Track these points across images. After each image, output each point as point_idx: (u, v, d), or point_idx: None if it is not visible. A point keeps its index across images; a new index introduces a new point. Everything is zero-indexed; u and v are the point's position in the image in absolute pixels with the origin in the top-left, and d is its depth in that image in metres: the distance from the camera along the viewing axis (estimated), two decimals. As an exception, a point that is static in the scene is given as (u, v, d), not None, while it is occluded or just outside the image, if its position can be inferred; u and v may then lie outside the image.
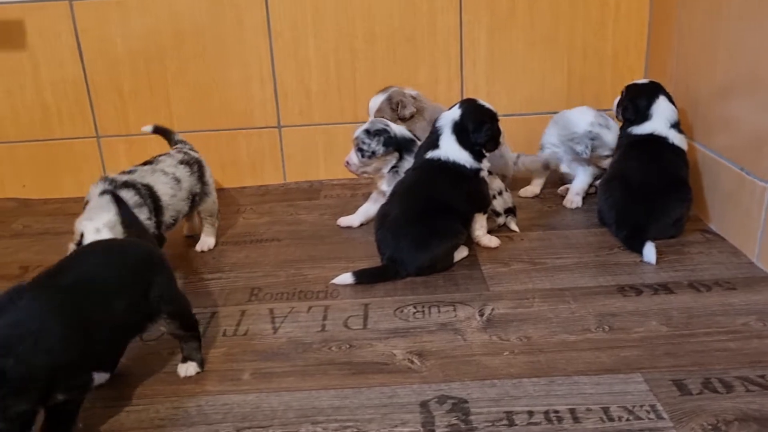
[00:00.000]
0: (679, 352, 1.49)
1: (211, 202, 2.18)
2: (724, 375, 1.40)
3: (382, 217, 1.97)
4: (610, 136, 2.31)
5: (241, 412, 1.37)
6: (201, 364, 1.52)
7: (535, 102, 2.68)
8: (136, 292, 1.38)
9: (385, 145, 2.11)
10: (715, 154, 2.10)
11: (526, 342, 1.56)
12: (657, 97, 2.18)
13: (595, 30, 2.62)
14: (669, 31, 2.42)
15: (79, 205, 2.62)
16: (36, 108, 2.65)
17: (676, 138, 2.13)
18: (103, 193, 1.82)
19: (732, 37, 1.98)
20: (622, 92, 2.28)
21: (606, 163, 2.33)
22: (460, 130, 1.99)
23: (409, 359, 1.52)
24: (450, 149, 1.98)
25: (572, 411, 1.31)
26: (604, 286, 1.80)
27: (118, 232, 1.70)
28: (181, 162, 2.09)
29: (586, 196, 2.41)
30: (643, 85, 2.25)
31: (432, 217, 1.90)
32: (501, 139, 2.07)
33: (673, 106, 2.17)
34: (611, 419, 1.28)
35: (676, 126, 2.15)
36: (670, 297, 1.72)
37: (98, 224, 1.71)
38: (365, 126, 2.15)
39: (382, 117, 2.30)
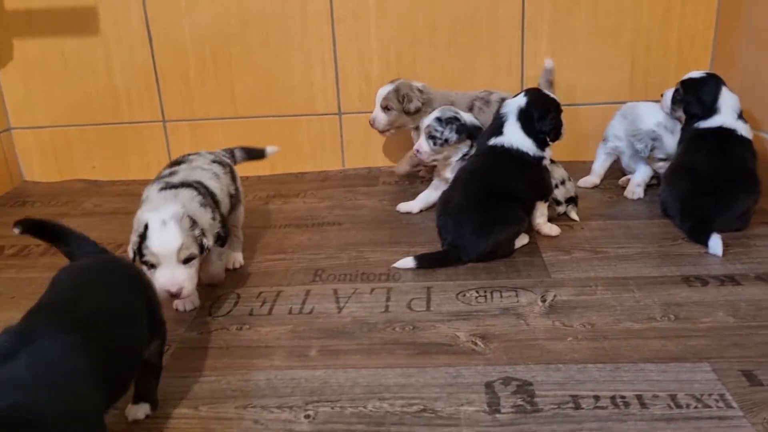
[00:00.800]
0: (747, 343, 1.47)
1: (242, 210, 2.07)
2: (795, 367, 1.38)
3: (444, 203, 1.98)
4: (672, 141, 2.27)
5: (309, 387, 1.41)
6: (155, 405, 1.35)
7: (596, 92, 2.65)
8: (145, 317, 1.25)
9: (458, 132, 2.14)
10: (785, 146, 2.06)
11: (589, 328, 1.56)
12: (720, 89, 2.14)
13: (661, 21, 2.58)
14: (738, 21, 2.37)
15: (145, 186, 2.74)
16: (107, 93, 2.75)
17: (743, 129, 2.10)
18: (164, 189, 1.72)
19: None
20: (678, 88, 2.23)
21: (659, 165, 2.30)
22: (525, 117, 1.99)
23: (472, 341, 1.54)
24: (514, 136, 1.99)
25: (639, 397, 1.31)
26: (668, 276, 1.79)
27: (185, 226, 1.58)
28: (214, 161, 1.94)
29: (648, 187, 2.39)
30: (702, 78, 2.20)
31: (494, 203, 1.91)
32: (562, 131, 2.06)
33: (735, 96, 2.14)
34: (679, 406, 1.28)
35: (741, 117, 2.11)
36: (737, 288, 1.70)
37: (165, 215, 1.57)
38: (436, 114, 2.17)
39: (388, 106, 2.40)
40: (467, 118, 2.19)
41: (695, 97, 2.17)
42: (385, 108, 2.40)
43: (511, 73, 2.67)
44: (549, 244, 2.03)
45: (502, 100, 2.20)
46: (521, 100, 2.01)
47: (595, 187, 2.49)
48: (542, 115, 1.98)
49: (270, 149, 2.25)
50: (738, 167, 2.03)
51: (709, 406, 1.28)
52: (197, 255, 1.60)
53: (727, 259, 1.86)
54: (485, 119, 2.25)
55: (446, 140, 2.14)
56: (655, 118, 2.30)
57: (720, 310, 1.61)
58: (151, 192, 1.74)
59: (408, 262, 1.89)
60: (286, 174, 2.81)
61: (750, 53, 2.30)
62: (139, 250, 1.57)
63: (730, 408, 1.27)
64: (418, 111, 2.39)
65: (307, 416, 1.32)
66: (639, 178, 2.38)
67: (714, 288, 1.71)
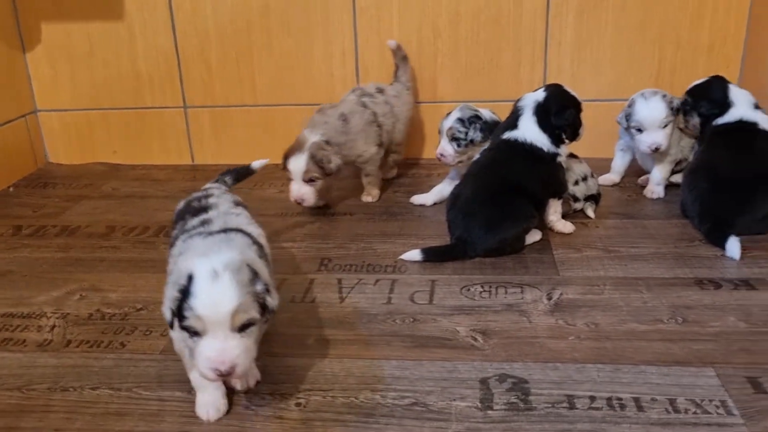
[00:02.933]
0: (756, 350, 1.42)
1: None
2: (803, 376, 1.33)
3: (455, 197, 1.96)
4: (645, 110, 2.18)
5: (303, 375, 1.40)
6: None
7: (621, 88, 2.59)
8: None
9: (482, 131, 2.12)
10: (813, 149, 1.98)
11: (593, 328, 1.53)
12: (728, 86, 2.11)
13: (692, 19, 2.50)
14: (770, 18, 2.30)
15: (165, 172, 2.78)
16: (130, 77, 2.77)
17: (765, 121, 2.03)
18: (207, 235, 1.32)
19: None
20: (686, 98, 2.20)
21: (639, 139, 2.21)
22: (541, 112, 1.95)
23: (472, 336, 1.52)
24: (529, 130, 1.95)
25: (636, 399, 1.28)
26: (681, 278, 1.74)
27: (244, 279, 1.17)
28: (236, 203, 1.56)
29: (669, 186, 2.33)
30: (706, 80, 2.18)
31: (504, 199, 1.87)
32: (580, 131, 2.01)
33: (745, 90, 2.10)
34: (677, 411, 1.25)
35: (759, 108, 2.06)
36: (751, 293, 1.65)
37: (216, 264, 1.16)
38: (456, 115, 2.15)
39: (312, 177, 2.13)
40: (487, 114, 2.16)
41: (705, 99, 2.13)
42: (309, 181, 2.15)
43: (534, 66, 2.62)
44: (561, 241, 1.99)
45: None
46: (540, 95, 1.97)
47: (615, 185, 2.43)
48: (560, 110, 1.94)
49: (257, 163, 1.90)
50: (761, 166, 1.96)
51: (709, 413, 1.24)
52: (257, 320, 1.19)
53: (744, 263, 1.80)
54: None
55: (471, 140, 2.12)
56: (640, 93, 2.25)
57: (731, 315, 1.56)
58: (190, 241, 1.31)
59: (414, 254, 1.87)
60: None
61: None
62: (179, 311, 1.15)
63: (731, 415, 1.23)
64: (339, 168, 2.19)
65: (298, 404, 1.32)
66: (657, 176, 2.32)
67: (727, 292, 1.66)
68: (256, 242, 1.34)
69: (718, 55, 2.54)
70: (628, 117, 2.24)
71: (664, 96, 2.20)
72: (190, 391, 1.34)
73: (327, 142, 2.18)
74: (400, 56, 2.54)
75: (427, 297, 1.70)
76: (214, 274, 1.14)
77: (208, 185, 1.73)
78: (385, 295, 1.72)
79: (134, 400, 1.35)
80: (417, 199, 2.31)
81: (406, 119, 2.52)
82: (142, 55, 2.74)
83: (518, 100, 2.02)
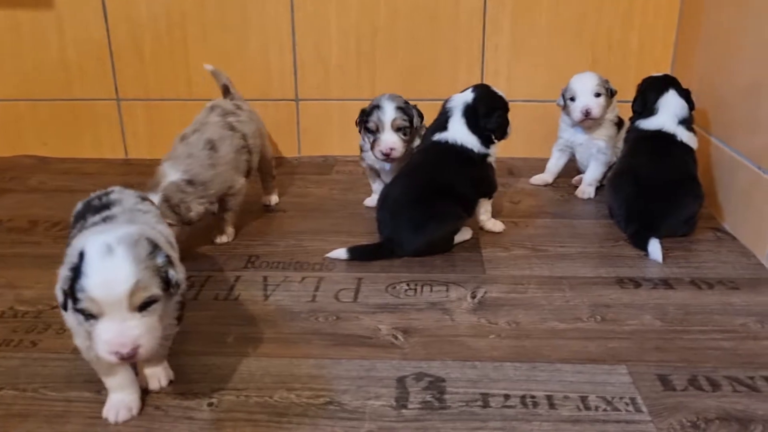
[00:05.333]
0: (669, 348, 1.45)
1: None
2: (712, 373, 1.36)
3: (384, 197, 1.94)
4: (579, 79, 2.28)
5: (218, 374, 1.37)
6: None
7: (556, 89, 2.60)
8: None
9: (420, 116, 2.10)
10: (734, 152, 2.04)
11: (514, 327, 1.54)
12: (667, 90, 2.13)
13: (623, 21, 2.55)
14: (697, 25, 2.35)
15: (96, 165, 2.70)
16: (59, 67, 2.68)
17: (684, 135, 2.07)
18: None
19: (759, 33, 1.91)
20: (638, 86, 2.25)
21: (576, 105, 2.26)
22: (470, 113, 1.95)
23: (393, 335, 1.51)
24: (459, 132, 1.95)
25: (549, 397, 1.29)
26: (603, 277, 1.76)
27: (141, 254, 1.10)
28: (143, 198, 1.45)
29: (601, 187, 2.36)
30: (656, 77, 2.20)
31: (432, 200, 1.86)
32: (508, 130, 2.02)
33: (683, 102, 2.11)
34: (588, 408, 1.26)
35: (685, 123, 2.09)
36: (669, 292, 1.68)
37: (110, 239, 1.10)
38: (392, 104, 2.05)
39: (168, 223, 1.54)
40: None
41: (641, 93, 2.18)
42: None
43: (472, 67, 2.63)
44: (491, 240, 2.00)
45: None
46: (468, 96, 1.97)
47: (548, 185, 2.46)
48: (488, 112, 1.94)
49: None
50: (681, 172, 2.00)
51: (618, 410, 1.25)
52: (160, 296, 1.11)
53: (665, 263, 1.83)
54: None
55: (416, 127, 2.09)
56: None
57: (648, 313, 1.59)
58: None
59: (341, 253, 1.85)
60: (241, 159, 2.76)
61: (707, 58, 2.28)
62: (72, 292, 1.08)
63: (639, 412, 1.25)
64: (200, 216, 1.85)
65: (210, 404, 1.29)
66: (591, 177, 2.35)
67: (646, 291, 1.69)
68: (167, 241, 1.27)
69: (648, 57, 2.59)
70: (564, 93, 2.31)
71: (599, 75, 2.29)
72: (100, 391, 1.30)
73: (190, 182, 1.82)
74: (224, 78, 2.28)
75: (352, 295, 1.68)
76: (107, 250, 1.06)
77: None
78: (310, 293, 1.70)
79: (39, 401, 1.30)
80: (368, 202, 2.27)
81: (266, 134, 2.30)
82: (72, 45, 2.65)
83: (446, 102, 2.01)
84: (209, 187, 1.86)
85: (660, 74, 2.23)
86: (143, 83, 2.70)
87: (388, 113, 2.05)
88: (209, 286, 1.74)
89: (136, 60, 2.67)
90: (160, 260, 1.12)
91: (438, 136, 1.96)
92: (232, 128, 2.02)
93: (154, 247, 1.13)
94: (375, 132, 2.07)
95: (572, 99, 2.28)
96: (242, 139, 2.03)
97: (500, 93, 2.00)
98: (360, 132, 2.14)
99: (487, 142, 1.96)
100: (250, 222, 2.15)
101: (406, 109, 2.07)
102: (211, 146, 1.92)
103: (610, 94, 2.30)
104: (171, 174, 1.82)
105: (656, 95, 2.15)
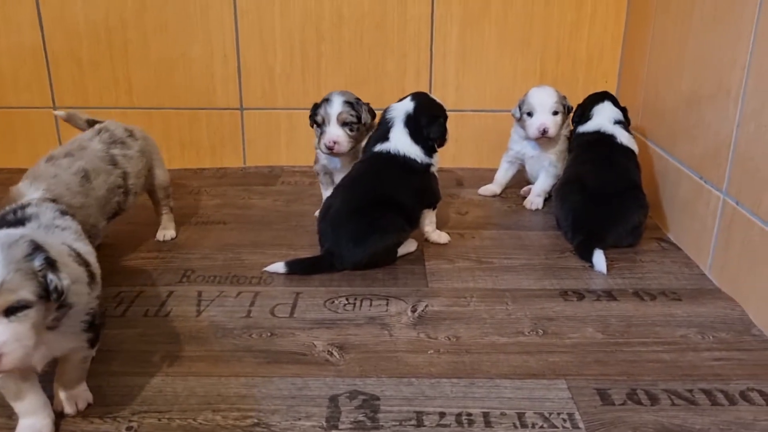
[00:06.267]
0: (609, 361, 1.42)
1: None
2: (651, 387, 1.33)
3: (326, 209, 1.89)
4: (537, 94, 2.24)
5: (141, 395, 1.30)
6: None
7: (505, 100, 2.61)
8: None
9: (370, 112, 2.06)
10: (678, 162, 2.04)
11: (454, 342, 1.49)
12: (602, 101, 2.23)
13: (570, 32, 2.55)
14: (643, 37, 2.36)
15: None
16: (-9, 74, 2.58)
17: (623, 136, 2.13)
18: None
19: (700, 47, 1.91)
20: None
21: (532, 122, 2.23)
22: (412, 123, 1.92)
23: (328, 351, 1.45)
24: (401, 142, 1.91)
25: (486, 415, 1.25)
26: (547, 290, 1.73)
27: (15, 255, 1.02)
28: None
29: (549, 198, 2.35)
30: (595, 93, 2.30)
31: (373, 212, 1.81)
32: (446, 137, 1.99)
33: (617, 109, 2.21)
34: (524, 425, 1.22)
35: (620, 123, 2.16)
36: (611, 304, 1.66)
37: None
38: (341, 98, 2.02)
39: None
40: None
41: (580, 105, 2.26)
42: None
43: (420, 75, 2.60)
44: (436, 252, 1.96)
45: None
46: (408, 105, 1.94)
47: (496, 196, 2.43)
48: (430, 121, 1.91)
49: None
50: (625, 180, 2.01)
51: (555, 426, 1.22)
52: (33, 302, 1.02)
53: (609, 275, 1.81)
54: None
55: (364, 123, 2.04)
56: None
57: (590, 326, 1.56)
58: None
59: (278, 266, 1.79)
60: (184, 169, 2.69)
61: (652, 70, 2.29)
62: None
63: (576, 428, 1.21)
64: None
65: (130, 428, 1.22)
66: (539, 188, 2.34)
67: (589, 303, 1.67)
68: (82, 261, 1.20)
69: (596, 68, 2.60)
70: (521, 105, 2.28)
71: (558, 91, 2.27)
72: (11, 416, 1.21)
73: (53, 202, 1.48)
74: (82, 118, 2.05)
75: (288, 310, 1.62)
76: None
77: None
78: (245, 309, 1.63)
79: (-58, 429, 1.21)
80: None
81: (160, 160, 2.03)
82: (5, 52, 2.55)
83: (386, 111, 1.97)
84: (76, 215, 1.48)
85: (599, 91, 2.31)
86: (82, 91, 2.61)
87: (335, 107, 2.01)
88: (139, 302, 1.66)
89: (74, 67, 2.58)
90: (37, 263, 1.02)
91: (380, 147, 1.92)
92: (113, 163, 1.79)
93: (35, 250, 1.03)
94: (322, 125, 2.02)
95: (529, 114, 2.24)
96: (121, 178, 1.79)
97: (439, 101, 1.97)
98: (312, 126, 2.09)
99: (429, 151, 1.93)
100: (188, 235, 2.07)
101: (355, 105, 2.03)
102: (85, 175, 1.68)
103: (567, 111, 2.28)
104: (30, 192, 1.54)
105: (592, 105, 2.25)
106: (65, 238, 1.24)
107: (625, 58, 2.55)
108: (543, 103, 2.22)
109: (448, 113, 1.98)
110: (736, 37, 1.68)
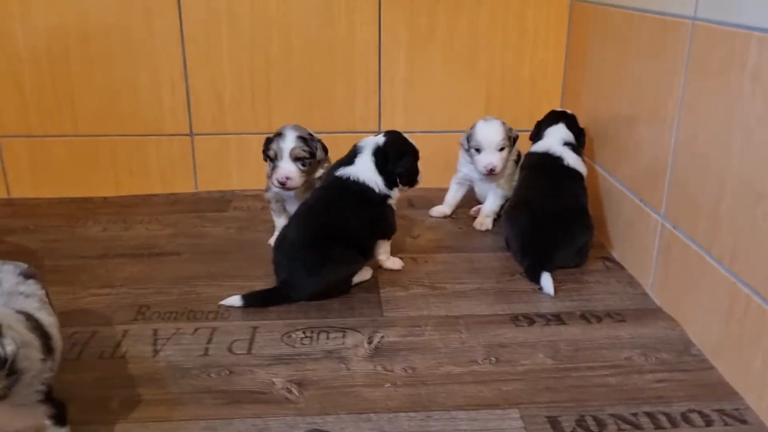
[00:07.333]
0: (559, 387, 1.48)
1: None
2: (599, 412, 1.39)
3: (282, 239, 1.90)
4: (484, 131, 2.28)
5: (101, 445, 1.30)
6: None
7: (453, 121, 2.66)
8: None
9: (323, 149, 2.09)
10: (619, 184, 2.12)
11: (410, 373, 1.53)
12: (557, 123, 2.28)
13: (514, 54, 2.62)
14: (583, 60, 2.45)
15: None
16: (-71, 103, 2.51)
17: (570, 158, 2.18)
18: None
19: (637, 73, 2.00)
20: None
21: (480, 160, 2.28)
22: (380, 154, 1.94)
23: (287, 389, 1.47)
24: (364, 168, 1.93)
25: (443, 449, 1.29)
26: (499, 315, 1.79)
27: None
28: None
29: (497, 218, 2.41)
30: (553, 111, 2.35)
31: (328, 242, 1.83)
32: (418, 178, 2.02)
33: (569, 132, 2.25)
34: (480, 459, 1.26)
35: (570, 145, 2.21)
36: (560, 328, 1.72)
37: None
38: (294, 133, 2.04)
39: None
40: None
41: (538, 123, 2.34)
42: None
43: (369, 100, 2.63)
44: (390, 278, 2.00)
45: None
46: (380, 139, 1.97)
47: (447, 216, 2.49)
48: (398, 155, 1.94)
49: None
50: (572, 204, 2.07)
51: (510, 458, 1.27)
52: None
53: (558, 297, 1.88)
54: None
55: (318, 160, 2.07)
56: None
57: (541, 352, 1.62)
58: None
59: (235, 300, 1.80)
60: (133, 196, 2.66)
61: (592, 92, 2.37)
62: None
63: (530, 459, 1.26)
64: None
65: (90, 481, 1.21)
66: (488, 208, 2.40)
67: (539, 328, 1.73)
68: (42, 332, 1.17)
69: (540, 88, 2.67)
70: (469, 138, 2.32)
71: (504, 123, 2.31)
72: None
73: None
74: None
75: (246, 346, 1.63)
76: None
77: None
78: (203, 346, 1.64)
79: None
80: (273, 241, 2.20)
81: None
82: (-58, 80, 2.48)
83: (358, 142, 2.00)
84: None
85: (559, 110, 2.36)
86: (24, 119, 2.55)
87: (288, 142, 2.03)
88: (94, 344, 1.65)
89: (16, 95, 2.52)
90: None
91: (341, 171, 1.93)
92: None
93: None
94: (274, 159, 2.04)
95: (477, 150, 2.29)
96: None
97: (412, 141, 2.01)
98: (265, 160, 2.10)
99: (391, 184, 1.95)
100: (141, 268, 2.05)
101: (308, 140, 2.05)
102: None
103: (513, 141, 2.34)
104: None
105: (546, 125, 2.30)
106: (28, 306, 1.22)
107: (567, 80, 2.64)
108: (489, 140, 2.27)
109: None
110: (671, 68, 1.77)
